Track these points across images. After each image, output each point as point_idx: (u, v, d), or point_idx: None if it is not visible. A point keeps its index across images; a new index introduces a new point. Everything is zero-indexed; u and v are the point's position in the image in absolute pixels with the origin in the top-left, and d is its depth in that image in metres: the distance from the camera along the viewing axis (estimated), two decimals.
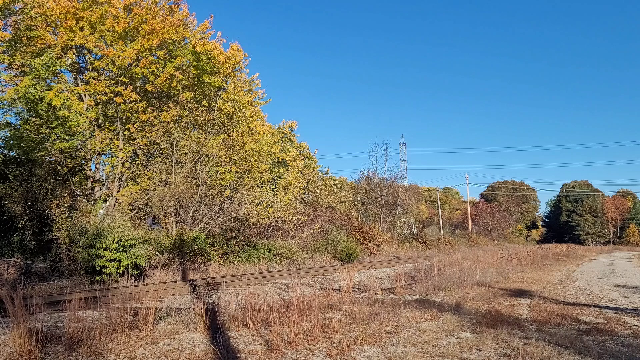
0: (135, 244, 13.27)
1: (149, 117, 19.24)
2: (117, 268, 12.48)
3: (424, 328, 7.26)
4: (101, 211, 18.09)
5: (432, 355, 5.75)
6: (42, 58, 15.84)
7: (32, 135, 15.76)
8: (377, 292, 11.54)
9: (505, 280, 14.85)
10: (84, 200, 18.35)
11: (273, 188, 28.08)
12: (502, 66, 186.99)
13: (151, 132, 19.29)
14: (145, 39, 18.65)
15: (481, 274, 15.33)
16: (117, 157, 19.34)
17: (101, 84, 18.56)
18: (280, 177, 30.14)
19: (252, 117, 26.21)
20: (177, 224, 18.91)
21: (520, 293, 11.93)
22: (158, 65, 19.22)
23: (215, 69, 21.71)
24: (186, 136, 20.05)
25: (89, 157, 19.37)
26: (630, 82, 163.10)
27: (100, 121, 19.62)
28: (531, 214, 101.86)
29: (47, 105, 15.92)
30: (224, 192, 20.74)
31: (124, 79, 18.84)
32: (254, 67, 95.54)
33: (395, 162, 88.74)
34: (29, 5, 16.39)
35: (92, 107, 19.11)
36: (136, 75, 19.11)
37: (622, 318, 8.61)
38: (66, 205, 15.91)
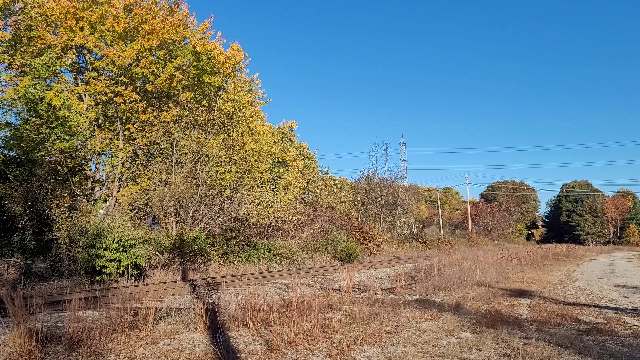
0: (135, 244, 13.26)
1: (149, 117, 19.23)
2: (117, 268, 12.48)
3: (424, 328, 7.26)
4: (101, 211, 18.09)
5: (432, 355, 5.75)
6: (42, 58, 15.84)
7: (32, 135, 15.76)
8: (377, 292, 11.54)
9: (505, 280, 14.85)
10: (84, 200, 18.35)
11: (273, 188, 28.06)
12: (502, 66, 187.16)
13: (151, 132, 19.28)
14: (146, 39, 18.64)
15: (481, 274, 15.33)
16: (117, 157, 19.33)
17: (101, 84, 18.55)
18: (280, 177, 30.12)
19: (252, 117, 26.21)
20: (177, 224, 18.91)
21: (520, 293, 11.92)
22: (158, 65, 19.21)
23: (215, 69, 21.70)
24: (186, 136, 20.05)
25: (89, 157, 19.37)
26: (630, 82, 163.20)
27: (100, 121, 19.62)
28: (531, 214, 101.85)
29: (47, 105, 15.92)
30: (224, 192, 20.74)
31: (124, 79, 18.84)
32: (254, 67, 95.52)
33: (395, 162, 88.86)
34: (29, 5, 16.39)
35: (92, 107, 19.11)
36: (136, 75, 19.10)
37: (622, 318, 8.61)
38: (66, 205, 15.91)
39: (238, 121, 23.84)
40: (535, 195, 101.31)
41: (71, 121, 16.61)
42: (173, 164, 19.32)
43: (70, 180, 18.00)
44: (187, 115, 20.43)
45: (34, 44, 16.51)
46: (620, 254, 44.77)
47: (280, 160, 31.25)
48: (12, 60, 15.81)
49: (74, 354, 5.47)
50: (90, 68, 19.49)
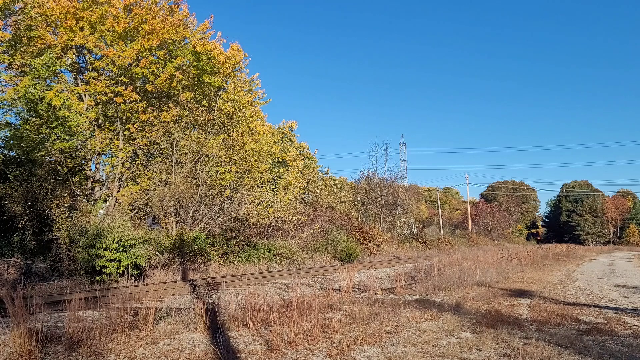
0: (135, 244, 13.26)
1: (149, 117, 19.24)
2: (117, 268, 12.48)
3: (424, 328, 7.26)
4: (101, 211, 18.08)
5: (432, 355, 5.75)
6: (42, 58, 15.83)
7: (32, 135, 15.75)
8: (377, 292, 11.54)
9: (505, 280, 14.85)
10: (84, 200, 18.34)
11: (273, 188, 28.06)
12: (502, 66, 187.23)
13: (151, 132, 19.28)
14: (146, 39, 18.64)
15: (481, 274, 15.33)
16: (117, 157, 19.33)
17: (101, 84, 18.55)
18: (280, 177, 30.11)
19: (252, 117, 26.21)
20: (177, 224, 18.90)
21: (520, 293, 11.92)
22: (158, 65, 19.21)
23: (215, 69, 21.70)
24: (186, 136, 20.05)
25: (89, 157, 19.37)
26: (630, 82, 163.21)
27: (100, 121, 19.62)
28: (531, 214, 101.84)
29: (47, 105, 15.91)
30: (224, 192, 20.74)
31: (124, 79, 18.84)
32: (254, 67, 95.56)
33: (395, 162, 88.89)
34: (29, 5, 16.39)
35: (92, 107, 19.11)
36: (136, 75, 19.10)
37: (622, 318, 8.61)
38: (66, 205, 15.90)
39: (238, 121, 23.84)
40: (535, 195, 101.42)
41: (71, 121, 16.61)
42: (173, 164, 19.32)
43: (70, 180, 17.99)
44: (187, 115, 20.43)
45: (34, 44, 16.50)
46: (620, 254, 44.78)
47: (280, 160, 31.24)
48: (12, 60, 15.80)
49: (74, 354, 5.47)
50: (90, 68, 19.49)
